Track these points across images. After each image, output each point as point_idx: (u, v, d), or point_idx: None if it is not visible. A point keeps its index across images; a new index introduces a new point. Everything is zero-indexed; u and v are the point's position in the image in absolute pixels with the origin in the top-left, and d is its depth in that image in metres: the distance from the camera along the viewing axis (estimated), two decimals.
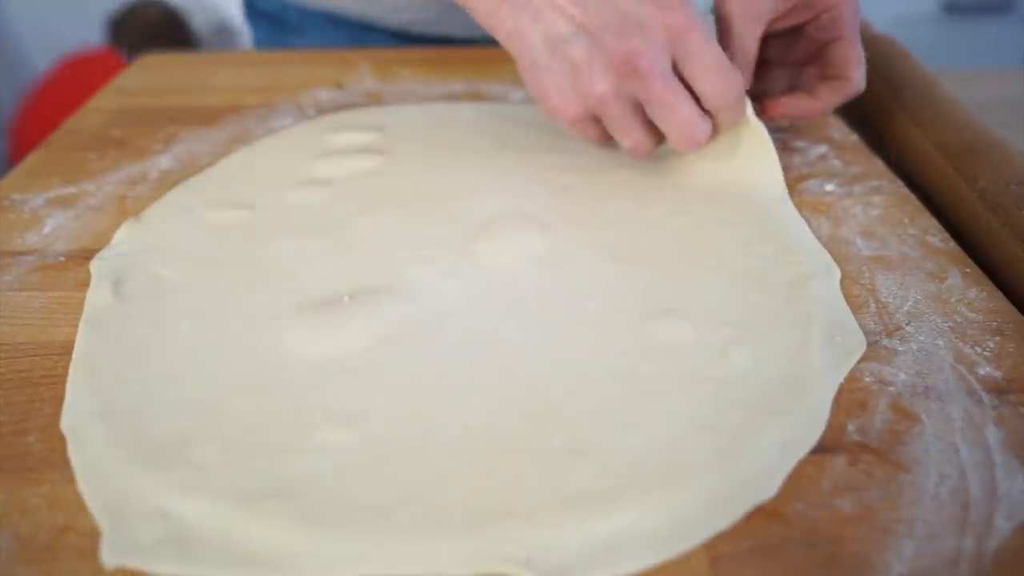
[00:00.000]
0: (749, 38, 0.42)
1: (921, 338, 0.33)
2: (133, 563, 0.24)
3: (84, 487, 0.26)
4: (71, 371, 0.31)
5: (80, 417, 0.29)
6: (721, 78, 0.39)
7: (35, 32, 1.81)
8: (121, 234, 0.40)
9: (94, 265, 0.38)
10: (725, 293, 0.35)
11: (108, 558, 0.24)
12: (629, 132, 0.42)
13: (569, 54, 0.39)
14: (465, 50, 0.67)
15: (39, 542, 0.25)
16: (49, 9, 1.77)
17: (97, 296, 0.35)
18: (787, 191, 0.43)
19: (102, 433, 0.28)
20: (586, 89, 0.40)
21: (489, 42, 0.73)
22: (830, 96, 0.45)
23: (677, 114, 0.39)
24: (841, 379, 0.31)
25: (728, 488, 0.26)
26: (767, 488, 0.26)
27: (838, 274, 0.36)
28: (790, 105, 0.46)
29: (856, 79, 0.45)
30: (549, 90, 0.41)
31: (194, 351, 0.32)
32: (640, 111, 0.41)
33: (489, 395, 0.30)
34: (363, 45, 0.68)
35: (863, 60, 0.45)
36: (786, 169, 0.47)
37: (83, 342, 0.33)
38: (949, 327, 0.33)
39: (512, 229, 0.40)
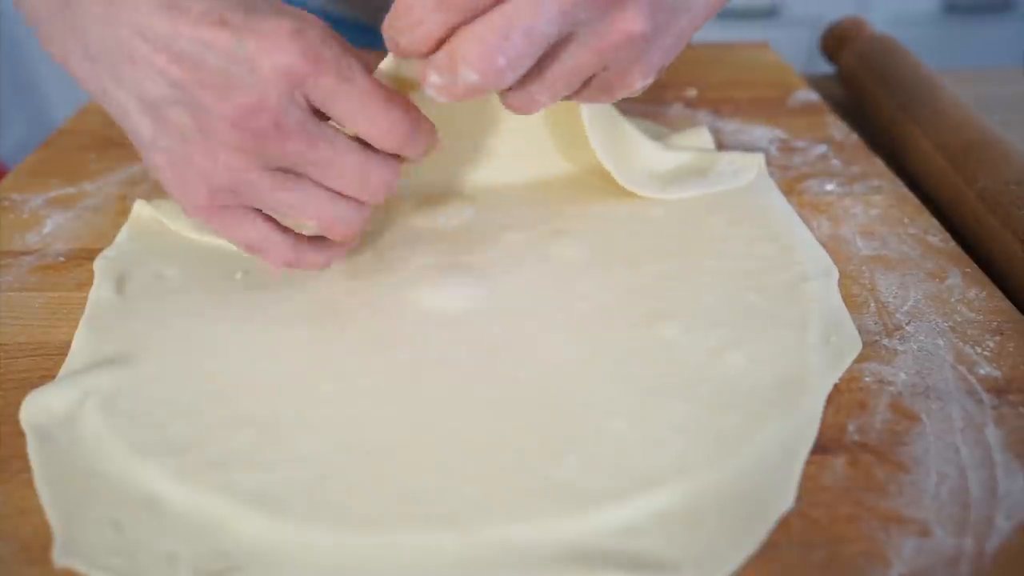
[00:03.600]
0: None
1: (921, 338, 0.33)
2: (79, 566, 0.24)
3: (43, 487, 0.26)
4: (62, 368, 0.31)
5: (51, 415, 0.29)
6: (378, 115, 0.30)
7: (55, 74, 1.80)
8: (124, 233, 0.40)
9: (98, 263, 0.38)
10: (722, 294, 0.35)
11: (58, 557, 0.24)
12: (305, 206, 0.31)
13: (173, 123, 0.29)
14: None
15: (40, 543, 0.25)
16: None
17: (99, 294, 0.35)
18: (776, 186, 0.44)
19: (68, 432, 0.28)
20: (209, 166, 0.29)
21: None
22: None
23: (342, 168, 0.30)
24: (837, 379, 0.31)
25: (728, 488, 0.26)
26: (781, 496, 0.26)
27: (836, 275, 0.37)
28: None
29: None
30: (165, 176, 0.30)
31: (191, 351, 0.32)
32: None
33: (483, 397, 0.30)
34: (363, 47, 0.68)
35: None
36: (786, 169, 0.47)
37: (81, 339, 0.33)
38: (949, 327, 0.33)
39: (505, 232, 0.40)
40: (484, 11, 0.26)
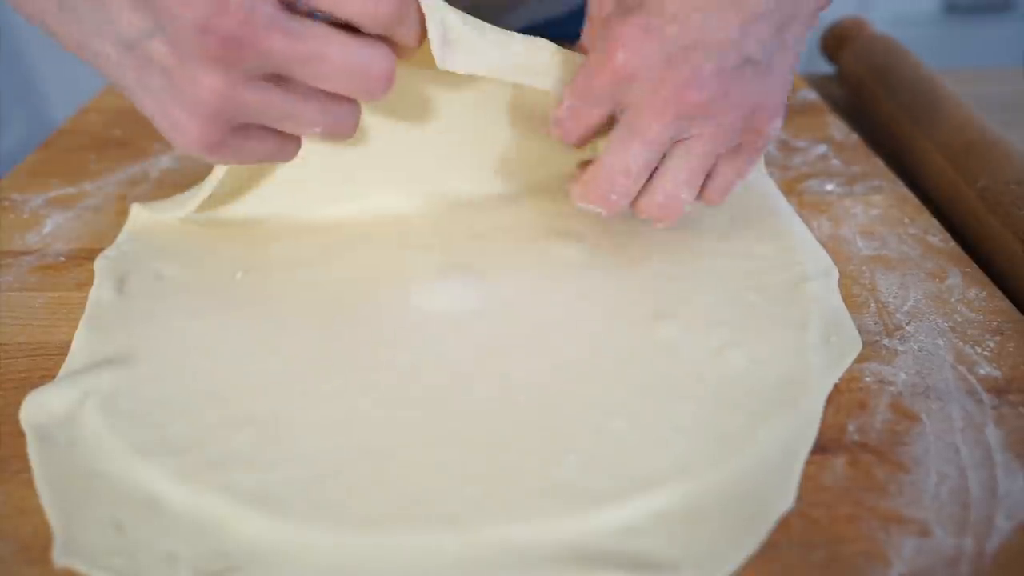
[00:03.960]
0: None
1: (921, 338, 0.33)
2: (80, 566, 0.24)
3: (43, 487, 0.26)
4: (62, 368, 0.31)
5: (51, 415, 0.29)
6: None
7: (55, 74, 1.79)
8: (125, 232, 0.40)
9: (98, 263, 0.38)
10: (722, 294, 0.35)
11: (58, 557, 0.24)
12: (302, 114, 0.30)
13: (152, 59, 0.28)
14: None
15: (40, 543, 0.25)
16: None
17: (99, 294, 0.36)
18: (776, 187, 0.44)
19: (67, 432, 0.28)
20: (194, 93, 0.28)
21: None
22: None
23: (330, 61, 0.28)
24: (837, 379, 0.31)
25: (728, 488, 0.26)
26: (781, 496, 0.26)
27: (836, 274, 0.37)
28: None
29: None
30: (159, 122, 0.30)
31: (191, 351, 0.32)
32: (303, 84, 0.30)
33: (483, 397, 0.30)
34: None
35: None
36: (786, 169, 0.47)
37: (81, 338, 0.33)
38: (949, 327, 0.33)
39: (505, 231, 0.40)
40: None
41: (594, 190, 0.34)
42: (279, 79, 0.29)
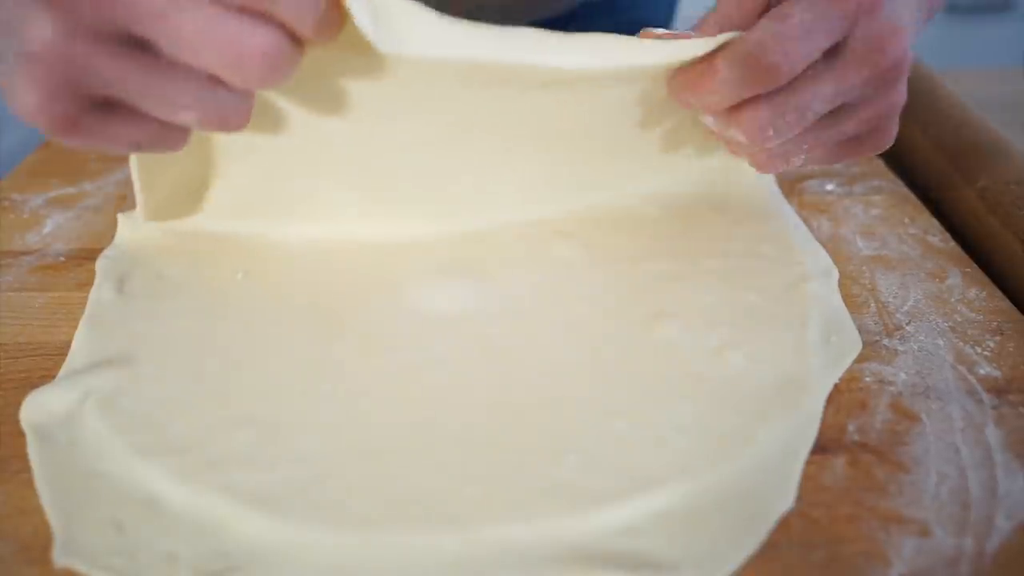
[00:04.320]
0: None
1: (921, 338, 0.33)
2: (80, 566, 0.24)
3: (43, 487, 0.26)
4: (62, 368, 0.31)
5: (52, 414, 0.29)
6: None
7: None
8: (123, 231, 0.40)
9: (99, 263, 0.38)
10: (722, 294, 0.35)
11: (58, 557, 0.24)
12: (169, 93, 0.25)
13: None
14: None
15: (40, 543, 0.25)
16: None
17: (100, 293, 0.36)
18: (779, 187, 0.44)
19: (67, 432, 0.28)
20: (30, 56, 0.24)
21: None
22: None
23: (184, 27, 0.24)
24: (837, 379, 0.31)
25: (728, 488, 0.26)
26: (782, 496, 0.26)
27: (836, 274, 0.37)
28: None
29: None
30: (9, 99, 0.25)
31: (191, 351, 0.32)
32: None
33: (483, 397, 0.30)
34: None
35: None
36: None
37: (81, 338, 0.33)
38: (949, 327, 0.33)
39: (503, 232, 0.40)
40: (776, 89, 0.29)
41: (752, 117, 0.30)
42: (144, 48, 0.25)
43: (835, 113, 0.32)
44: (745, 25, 0.30)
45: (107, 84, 0.25)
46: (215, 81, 0.26)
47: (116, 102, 0.26)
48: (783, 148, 0.32)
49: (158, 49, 0.25)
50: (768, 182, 0.44)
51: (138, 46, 0.25)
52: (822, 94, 0.30)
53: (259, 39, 0.24)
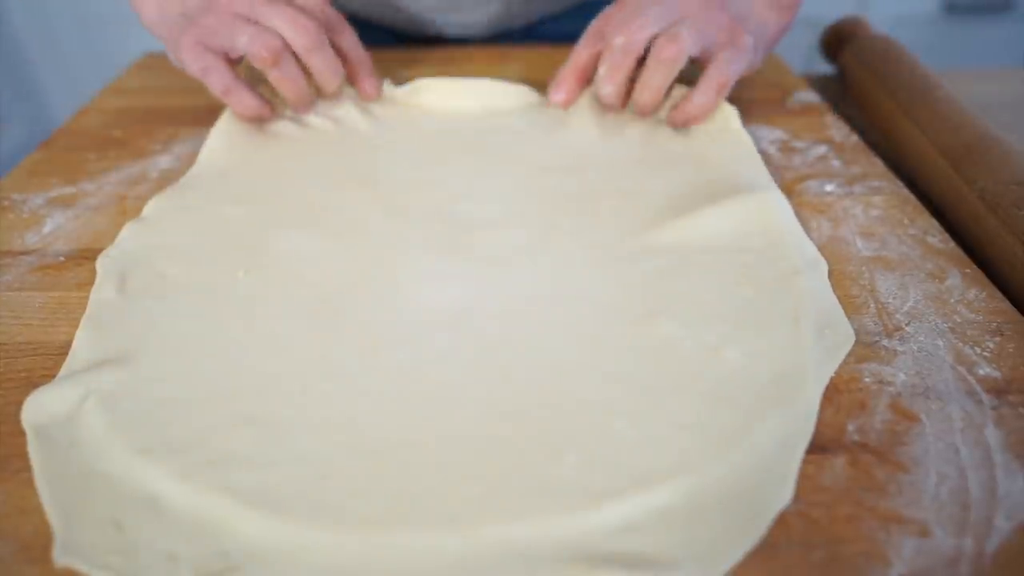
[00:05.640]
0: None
1: (921, 338, 0.33)
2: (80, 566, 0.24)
3: (43, 486, 0.26)
4: (63, 368, 0.31)
5: (51, 414, 0.29)
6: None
7: (55, 74, 1.78)
8: (126, 232, 0.40)
9: (100, 262, 0.38)
10: (717, 290, 0.35)
11: (58, 557, 0.24)
12: (257, 36, 0.46)
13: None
14: (463, 49, 0.67)
15: (40, 543, 0.25)
16: (70, 48, 1.74)
17: (101, 293, 0.36)
18: (773, 181, 0.44)
19: (68, 432, 0.28)
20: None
21: (485, 41, 0.73)
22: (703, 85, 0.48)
23: (279, 18, 0.47)
24: (832, 373, 0.31)
25: (726, 484, 0.26)
26: (780, 492, 0.26)
27: (825, 267, 0.37)
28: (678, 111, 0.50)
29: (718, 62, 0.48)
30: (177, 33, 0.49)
31: (192, 351, 0.32)
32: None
33: (482, 396, 0.30)
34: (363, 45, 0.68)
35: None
36: (786, 169, 0.47)
37: (82, 338, 0.33)
38: (949, 327, 0.33)
39: (502, 230, 0.40)
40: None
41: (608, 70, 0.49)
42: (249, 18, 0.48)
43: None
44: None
45: (232, 33, 0.47)
46: (278, 35, 0.47)
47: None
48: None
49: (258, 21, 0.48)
50: (762, 175, 0.44)
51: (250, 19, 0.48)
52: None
53: (307, 21, 0.48)
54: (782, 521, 0.25)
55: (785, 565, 0.24)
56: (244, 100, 0.49)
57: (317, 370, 0.31)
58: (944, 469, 0.27)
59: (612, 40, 0.48)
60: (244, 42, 0.46)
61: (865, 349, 0.32)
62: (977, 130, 0.45)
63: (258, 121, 0.51)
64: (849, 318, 0.34)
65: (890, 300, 0.35)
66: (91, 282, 0.37)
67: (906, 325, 0.34)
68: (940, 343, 0.33)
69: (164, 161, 0.49)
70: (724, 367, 0.31)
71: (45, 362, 0.32)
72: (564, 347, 0.32)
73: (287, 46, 0.47)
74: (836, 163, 0.48)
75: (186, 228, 0.41)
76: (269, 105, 0.50)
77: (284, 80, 0.48)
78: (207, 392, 0.30)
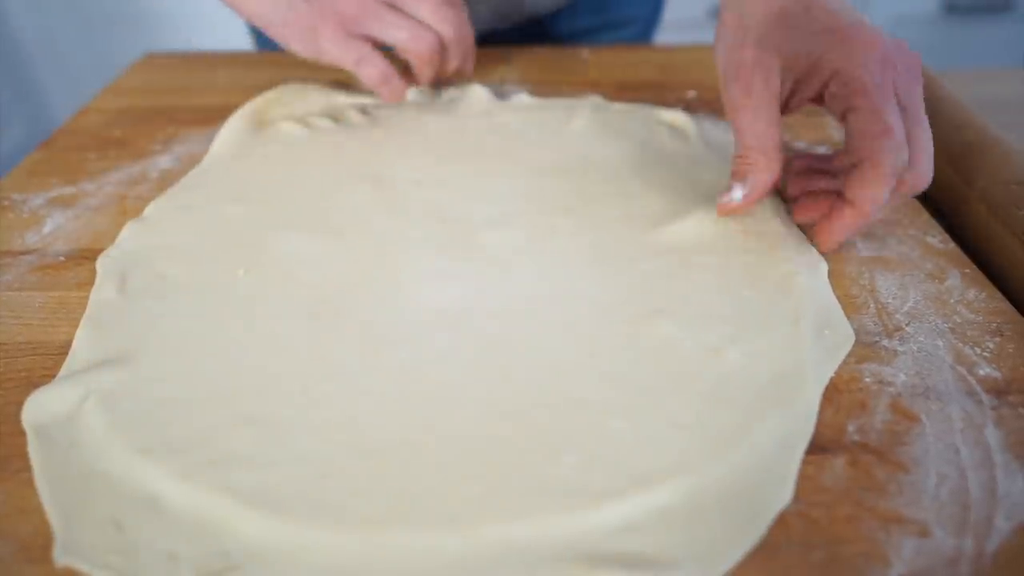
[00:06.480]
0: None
1: (921, 339, 0.33)
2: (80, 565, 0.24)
3: (43, 486, 0.26)
4: (63, 368, 0.31)
5: (51, 414, 0.29)
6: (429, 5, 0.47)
7: (55, 74, 1.78)
8: (127, 232, 0.40)
9: (100, 262, 0.38)
10: (716, 290, 0.35)
11: (58, 557, 0.24)
12: (402, 24, 0.47)
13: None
14: None
15: (40, 543, 0.25)
16: (70, 48, 1.74)
17: (101, 293, 0.36)
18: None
19: (68, 433, 0.28)
20: (337, 10, 0.47)
21: (484, 42, 0.73)
22: (856, 189, 0.34)
23: (424, 9, 0.47)
24: (832, 373, 0.31)
25: (726, 484, 0.26)
26: (780, 492, 0.26)
27: (825, 267, 0.37)
28: (807, 208, 0.39)
29: (881, 159, 0.33)
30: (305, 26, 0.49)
31: (192, 351, 0.32)
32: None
33: (482, 396, 0.30)
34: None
35: (895, 133, 0.33)
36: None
37: (82, 338, 0.33)
38: (949, 328, 0.33)
39: (503, 230, 0.40)
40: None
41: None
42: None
43: None
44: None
45: (376, 22, 0.48)
46: (420, 24, 0.48)
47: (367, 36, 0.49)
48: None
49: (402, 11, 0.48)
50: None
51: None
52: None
53: (450, 10, 0.49)
54: (782, 521, 0.25)
55: (785, 565, 0.24)
56: (398, 89, 0.50)
57: (317, 370, 0.31)
58: (944, 469, 0.27)
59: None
60: (403, 38, 0.47)
61: (865, 349, 0.32)
62: (977, 130, 0.45)
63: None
64: (849, 318, 0.34)
65: (890, 300, 0.35)
66: (91, 282, 0.37)
67: (906, 325, 0.34)
68: (940, 343, 0.33)
69: (164, 161, 0.49)
70: (724, 367, 0.31)
71: (45, 362, 0.32)
72: (564, 347, 0.32)
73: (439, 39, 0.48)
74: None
75: (186, 228, 0.41)
76: (406, 86, 0.52)
77: (427, 74, 0.50)
78: (207, 392, 0.30)
